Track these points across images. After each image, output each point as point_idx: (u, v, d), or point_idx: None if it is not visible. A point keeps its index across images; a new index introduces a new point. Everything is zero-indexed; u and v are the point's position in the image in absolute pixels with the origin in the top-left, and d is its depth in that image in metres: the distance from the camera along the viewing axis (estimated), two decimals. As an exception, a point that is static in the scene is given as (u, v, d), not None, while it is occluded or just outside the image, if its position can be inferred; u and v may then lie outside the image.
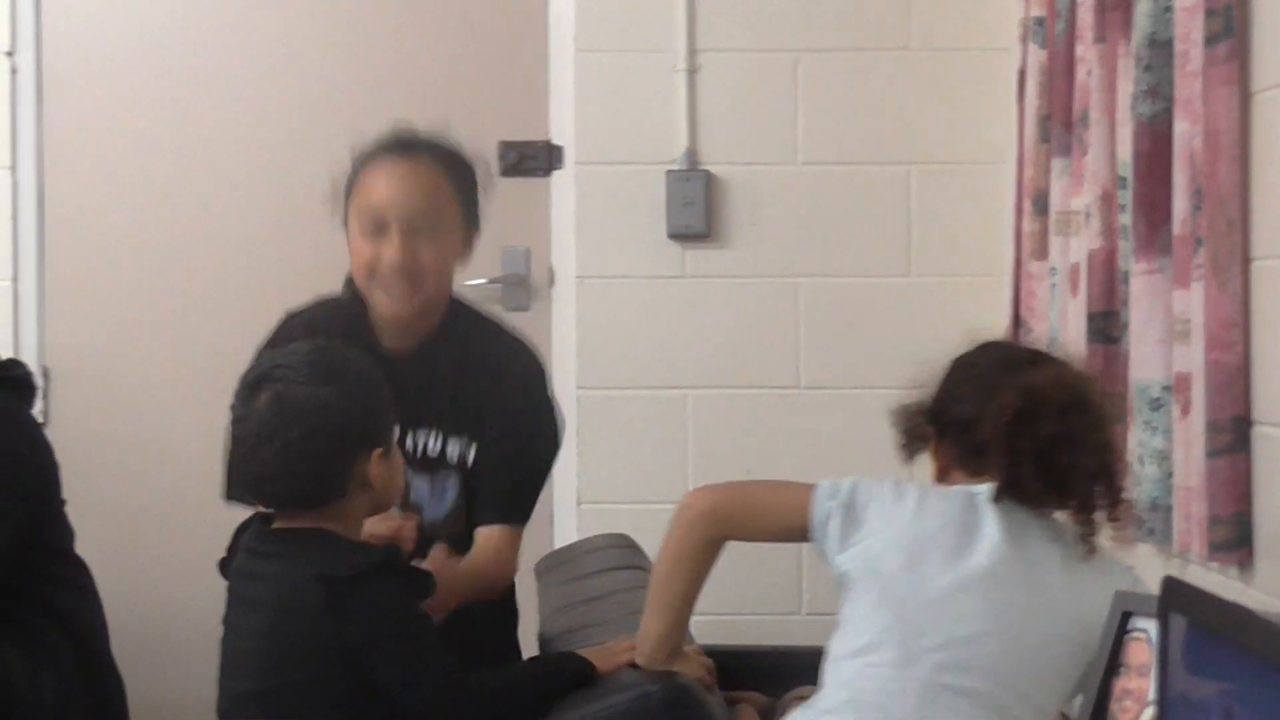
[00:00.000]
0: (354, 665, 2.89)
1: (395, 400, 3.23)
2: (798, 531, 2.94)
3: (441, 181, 3.46)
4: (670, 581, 3.02)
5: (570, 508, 4.65)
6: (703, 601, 3.24)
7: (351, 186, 3.51)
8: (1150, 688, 1.81)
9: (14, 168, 4.70)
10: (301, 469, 2.97)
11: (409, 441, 3.48)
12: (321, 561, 2.92)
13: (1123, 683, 1.88)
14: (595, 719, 2.86)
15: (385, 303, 3.47)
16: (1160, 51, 3.39)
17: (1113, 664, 1.90)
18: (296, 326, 3.55)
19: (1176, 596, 1.46)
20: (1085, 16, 3.76)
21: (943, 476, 3.05)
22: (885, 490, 2.88)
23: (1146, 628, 1.84)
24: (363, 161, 3.51)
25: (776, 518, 3.04)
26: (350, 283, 3.56)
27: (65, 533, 3.95)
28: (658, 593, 3.03)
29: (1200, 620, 1.41)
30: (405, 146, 3.49)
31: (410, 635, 2.94)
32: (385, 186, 3.44)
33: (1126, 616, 1.88)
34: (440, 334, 3.55)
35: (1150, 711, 1.79)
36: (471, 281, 4.62)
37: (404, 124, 3.52)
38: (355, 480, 3.00)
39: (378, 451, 3.01)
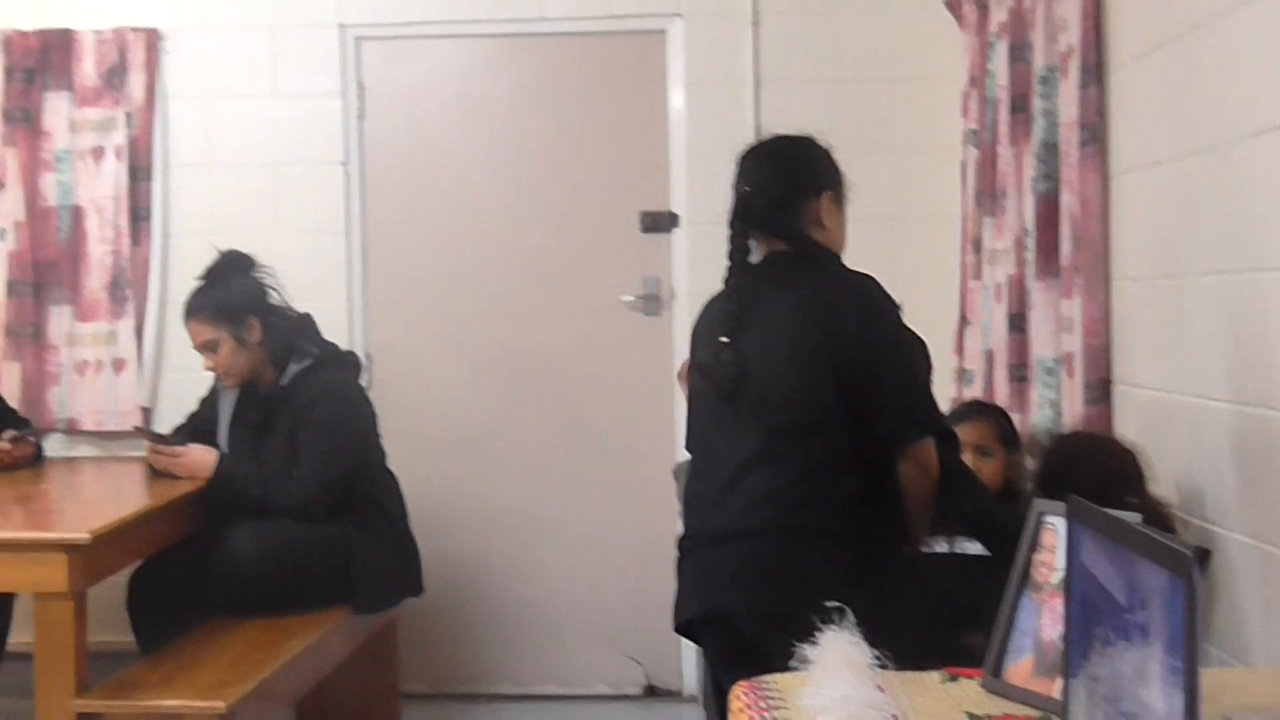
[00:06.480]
0: None
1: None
2: None
3: None
4: None
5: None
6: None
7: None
8: (1057, 559, 1.78)
9: (347, 234, 4.66)
10: None
11: None
12: None
13: (1039, 556, 1.84)
14: None
15: None
16: (1051, 150, 3.31)
17: (1033, 544, 1.86)
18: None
19: (1076, 509, 1.43)
20: (1003, 129, 3.66)
21: None
22: None
23: (1055, 522, 1.81)
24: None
25: None
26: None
27: (380, 455, 3.98)
28: None
29: (1086, 521, 1.41)
30: None
31: None
32: None
33: (1041, 515, 1.83)
34: None
35: (1059, 574, 1.75)
36: (624, 297, 4.60)
37: None
38: None
39: None
